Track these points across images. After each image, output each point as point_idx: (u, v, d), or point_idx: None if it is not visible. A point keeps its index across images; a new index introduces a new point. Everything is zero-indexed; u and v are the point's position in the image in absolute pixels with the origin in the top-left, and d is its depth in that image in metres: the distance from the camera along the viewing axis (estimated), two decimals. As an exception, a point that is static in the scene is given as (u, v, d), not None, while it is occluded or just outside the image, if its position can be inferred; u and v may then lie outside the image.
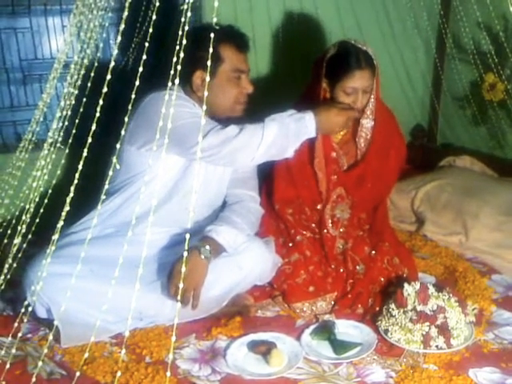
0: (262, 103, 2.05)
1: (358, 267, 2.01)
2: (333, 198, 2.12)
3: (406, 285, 1.77)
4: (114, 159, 1.12)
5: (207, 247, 1.74)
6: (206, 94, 1.06)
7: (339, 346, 1.70)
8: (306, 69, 2.18)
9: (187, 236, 1.02)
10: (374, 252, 2.04)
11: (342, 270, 2.01)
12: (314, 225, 2.13)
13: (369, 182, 2.14)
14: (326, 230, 2.09)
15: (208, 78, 1.15)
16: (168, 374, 0.96)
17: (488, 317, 1.85)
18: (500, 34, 2.56)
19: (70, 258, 1.62)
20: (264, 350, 1.65)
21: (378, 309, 1.86)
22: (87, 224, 1.85)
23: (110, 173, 1.08)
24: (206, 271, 1.74)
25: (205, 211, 1.96)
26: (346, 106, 1.94)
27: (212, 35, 1.04)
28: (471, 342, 1.69)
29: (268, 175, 2.20)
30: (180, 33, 1.04)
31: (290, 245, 2.08)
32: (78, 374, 1.03)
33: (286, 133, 1.76)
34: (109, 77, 1.10)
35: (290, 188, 2.15)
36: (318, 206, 2.14)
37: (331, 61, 2.00)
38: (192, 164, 1.82)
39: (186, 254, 1.09)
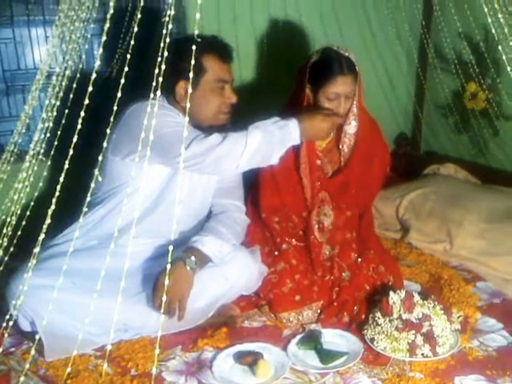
0: (247, 111, 2.05)
1: (343, 274, 2.01)
2: (317, 204, 2.13)
3: (391, 293, 1.78)
4: (96, 171, 1.11)
5: (192, 258, 1.73)
6: (188, 105, 1.05)
7: (326, 356, 1.69)
8: (290, 76, 2.19)
9: (170, 248, 1.01)
10: (359, 259, 2.04)
11: (327, 278, 2.01)
12: (301, 232, 2.14)
13: (352, 188, 2.15)
14: (313, 237, 2.10)
15: (190, 90, 1.15)
16: (152, 387, 0.95)
17: (473, 324, 1.86)
18: (480, 44, 2.60)
19: (52, 270, 1.61)
20: (250, 360, 1.64)
21: (363, 317, 1.86)
22: (70, 236, 1.83)
23: (92, 185, 1.07)
24: (192, 282, 1.73)
25: (190, 221, 1.95)
26: (330, 112, 1.96)
27: (194, 46, 1.04)
28: (457, 349, 1.70)
29: (253, 184, 2.20)
30: (162, 44, 1.04)
31: (276, 253, 2.08)
32: (60, 388, 1.02)
33: (270, 140, 1.77)
34: (90, 88, 1.09)
35: (276, 196, 2.15)
36: (304, 214, 2.15)
37: (314, 67, 2.02)
38: (177, 173, 1.81)
39: (169, 266, 1.08)
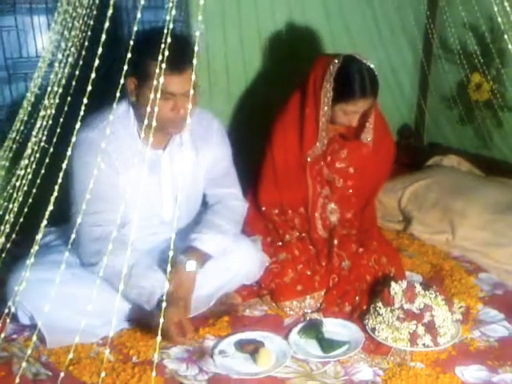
0: (252, 113, 2.07)
1: (343, 263, 2.01)
2: (320, 203, 2.13)
3: (392, 283, 1.78)
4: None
5: (192, 261, 1.72)
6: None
7: (327, 345, 1.70)
8: (296, 76, 2.17)
9: (170, 253, 0.99)
10: (361, 249, 2.04)
11: (324, 264, 2.02)
12: (297, 226, 2.14)
13: (359, 183, 2.16)
14: (316, 235, 2.11)
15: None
16: (154, 373, 0.95)
17: (474, 315, 1.86)
18: (486, 34, 2.58)
19: (50, 264, 1.61)
20: (252, 349, 1.65)
21: (365, 307, 1.86)
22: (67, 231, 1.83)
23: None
24: (194, 284, 1.73)
25: (184, 219, 1.93)
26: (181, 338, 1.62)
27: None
28: (458, 340, 1.70)
29: (255, 177, 2.20)
30: (165, 31, 1.03)
31: (280, 244, 2.08)
32: (62, 374, 1.02)
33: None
34: (93, 75, 1.09)
35: (275, 190, 2.15)
36: (301, 210, 2.15)
37: (335, 80, 1.95)
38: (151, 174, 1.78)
39: (169, 269, 1.05)
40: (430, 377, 1.55)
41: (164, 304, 1.06)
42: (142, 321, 1.71)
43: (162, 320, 0.99)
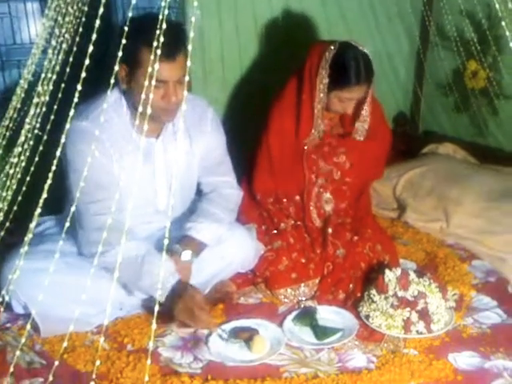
0: (247, 100, 2.05)
1: (338, 251, 2.02)
2: (315, 192, 2.13)
3: (386, 271, 1.79)
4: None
5: (188, 250, 1.73)
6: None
7: (321, 332, 1.71)
8: (292, 62, 2.16)
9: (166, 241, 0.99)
10: (356, 237, 2.05)
11: (318, 252, 2.02)
12: (292, 214, 2.14)
13: (356, 171, 2.15)
14: (311, 224, 2.11)
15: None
16: (148, 361, 0.96)
17: (468, 302, 1.87)
18: (483, 21, 2.57)
19: (43, 253, 1.62)
20: (246, 336, 1.66)
21: (359, 295, 1.87)
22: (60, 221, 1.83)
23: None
24: (189, 273, 1.74)
25: (179, 207, 1.92)
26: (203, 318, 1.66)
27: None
28: (451, 326, 1.71)
29: (249, 165, 2.19)
30: (160, 17, 1.02)
31: (275, 232, 2.08)
32: (56, 362, 1.02)
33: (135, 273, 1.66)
34: (87, 62, 1.08)
35: (270, 178, 2.15)
36: (296, 198, 2.15)
37: (331, 66, 1.95)
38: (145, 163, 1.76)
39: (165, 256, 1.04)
40: (423, 363, 1.56)
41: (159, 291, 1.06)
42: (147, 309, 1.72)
43: (156, 308, 0.98)
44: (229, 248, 1.89)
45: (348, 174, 2.15)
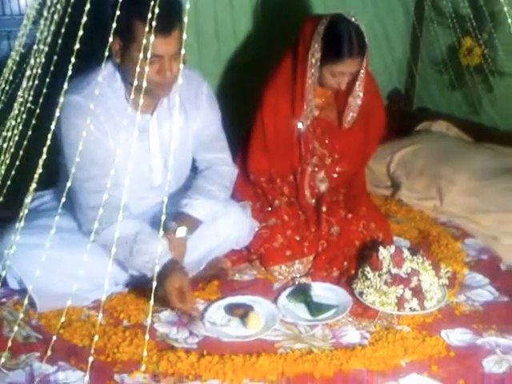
0: (241, 74, 2.00)
1: (332, 229, 2.02)
2: (309, 172, 2.12)
3: (381, 248, 1.79)
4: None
5: (183, 227, 1.72)
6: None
7: (315, 308, 1.72)
8: (284, 30, 2.13)
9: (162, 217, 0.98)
10: (350, 215, 2.05)
11: (313, 230, 2.02)
12: (286, 193, 2.14)
13: (351, 149, 2.15)
14: (305, 201, 2.11)
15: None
16: (147, 337, 0.95)
17: (461, 279, 1.89)
18: (479, -3, 2.54)
19: (39, 228, 1.60)
20: (241, 312, 1.66)
21: (353, 272, 1.88)
22: (55, 195, 1.82)
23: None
24: (185, 250, 1.73)
25: (173, 184, 1.90)
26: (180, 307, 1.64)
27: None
28: (444, 304, 1.73)
29: (244, 142, 2.17)
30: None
31: (269, 209, 2.08)
32: (54, 337, 1.02)
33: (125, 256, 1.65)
34: (81, 32, 1.05)
35: (264, 158, 2.13)
36: (290, 178, 2.14)
37: (323, 39, 1.92)
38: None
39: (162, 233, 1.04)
40: (417, 340, 1.57)
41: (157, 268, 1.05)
42: (141, 286, 1.71)
43: (154, 285, 0.98)
44: (224, 225, 1.88)
45: (337, 163, 2.15)
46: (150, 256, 1.63)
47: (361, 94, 2.03)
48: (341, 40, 1.90)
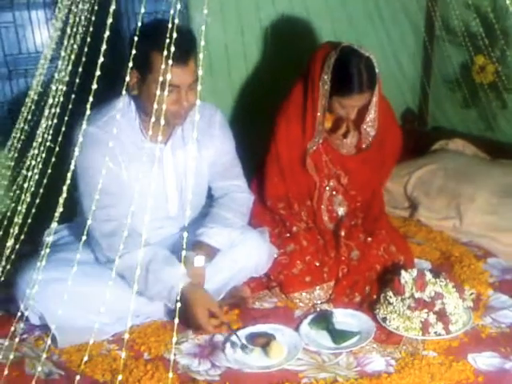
0: (252, 106, 1.99)
1: (352, 254, 2.00)
2: (326, 196, 2.11)
3: (403, 272, 1.77)
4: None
5: (201, 256, 1.73)
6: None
7: (338, 336, 1.70)
8: (295, 57, 2.13)
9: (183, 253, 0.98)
10: (370, 239, 2.03)
11: (332, 255, 2.01)
12: (304, 219, 2.13)
13: (367, 172, 2.15)
14: (323, 226, 2.11)
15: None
16: (170, 375, 0.95)
17: (485, 301, 1.85)
18: (489, 14, 2.54)
19: (59, 262, 1.60)
20: (263, 342, 1.65)
21: (375, 297, 1.86)
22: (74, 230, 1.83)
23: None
24: (203, 279, 1.73)
25: (189, 213, 1.91)
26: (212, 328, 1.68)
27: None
28: (469, 327, 1.70)
29: (259, 169, 2.18)
30: (170, 25, 1.02)
31: (287, 235, 2.07)
32: (78, 377, 1.01)
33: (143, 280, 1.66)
34: (98, 72, 1.07)
35: (281, 184, 2.13)
36: (308, 203, 2.14)
37: (332, 73, 1.93)
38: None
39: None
40: (443, 365, 1.55)
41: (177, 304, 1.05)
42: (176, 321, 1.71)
43: (176, 320, 0.97)
44: (242, 252, 1.88)
45: (351, 188, 2.14)
46: (162, 284, 1.64)
47: (375, 123, 2.03)
48: (350, 76, 1.91)
